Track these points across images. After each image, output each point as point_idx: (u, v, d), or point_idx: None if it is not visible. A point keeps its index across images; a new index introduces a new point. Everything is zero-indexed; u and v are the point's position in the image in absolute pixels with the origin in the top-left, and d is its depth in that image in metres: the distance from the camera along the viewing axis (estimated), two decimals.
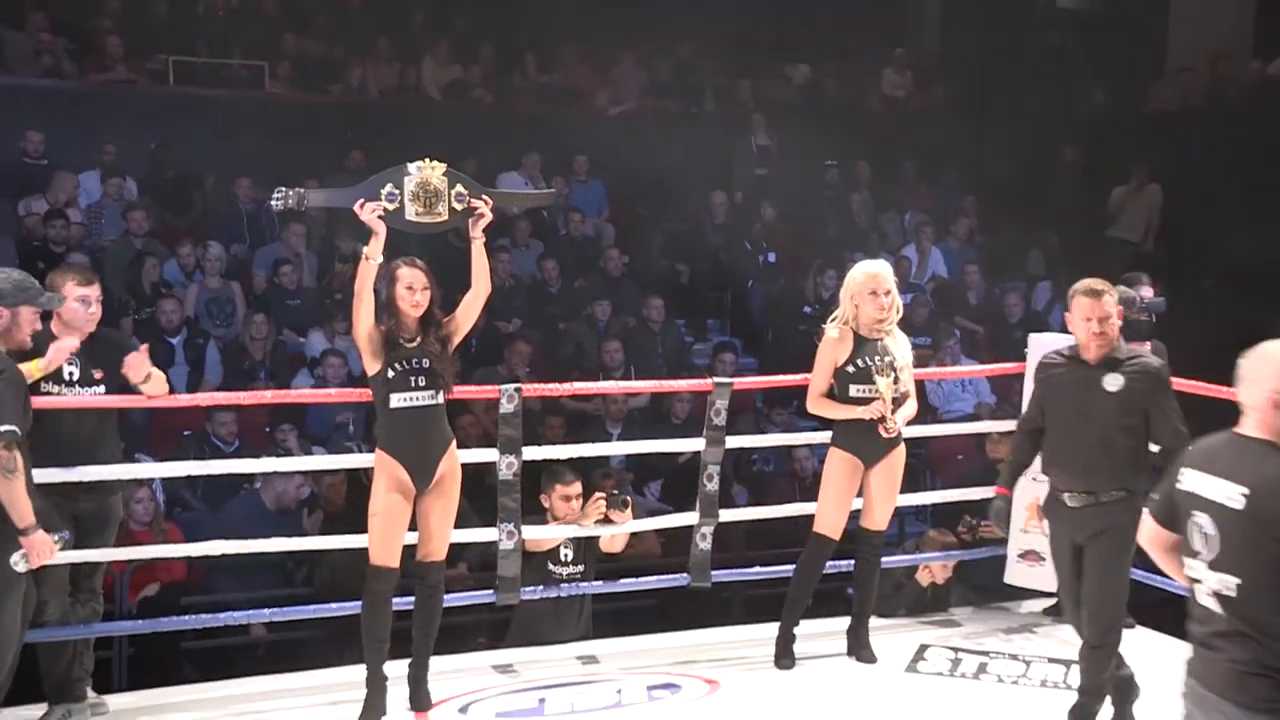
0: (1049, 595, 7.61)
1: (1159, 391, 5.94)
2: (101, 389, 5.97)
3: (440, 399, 6.09)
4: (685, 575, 7.21)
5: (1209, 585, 4.07)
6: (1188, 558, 4.15)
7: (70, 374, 5.67)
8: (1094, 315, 5.75)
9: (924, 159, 15.69)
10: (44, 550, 5.34)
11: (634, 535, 7.83)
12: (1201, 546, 4.09)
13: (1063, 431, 6.07)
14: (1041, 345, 7.58)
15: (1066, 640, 6.77)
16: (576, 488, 7.22)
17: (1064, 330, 7.92)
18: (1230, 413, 4.21)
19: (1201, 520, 4.08)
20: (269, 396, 8.90)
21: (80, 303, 5.93)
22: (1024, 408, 7.43)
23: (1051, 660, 6.97)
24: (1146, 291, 7.73)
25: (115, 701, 6.45)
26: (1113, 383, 5.88)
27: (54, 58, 13.96)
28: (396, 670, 6.24)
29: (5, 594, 5.37)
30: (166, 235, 12.74)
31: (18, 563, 5.33)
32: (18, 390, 5.35)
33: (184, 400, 7.41)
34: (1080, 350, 5.90)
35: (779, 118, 16.09)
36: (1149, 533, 4.43)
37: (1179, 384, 6.33)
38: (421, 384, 5.99)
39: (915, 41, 18.41)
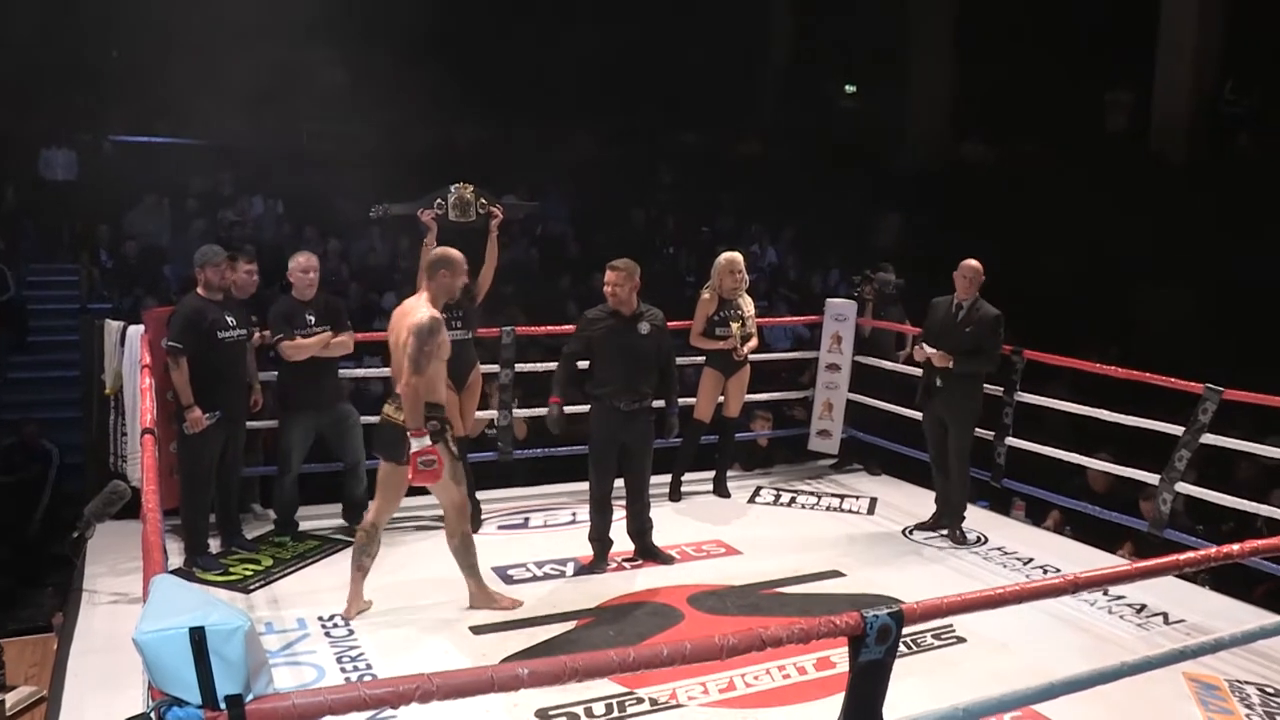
0: (833, 457, 7.67)
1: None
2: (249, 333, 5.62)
3: (470, 335, 6.05)
4: None
5: None
6: None
7: (229, 321, 5.40)
8: None
9: (766, 192, 15.57)
10: (198, 423, 5.20)
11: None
12: None
13: None
14: (833, 307, 7.63)
15: (836, 481, 6.97)
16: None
17: (849, 297, 7.86)
18: None
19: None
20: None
21: (247, 274, 5.93)
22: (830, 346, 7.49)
23: (833, 495, 7.03)
24: (891, 275, 7.71)
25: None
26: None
27: (234, 130, 14.05)
28: None
29: (199, 447, 5.30)
30: (299, 233, 12.71)
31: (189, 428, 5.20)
32: (191, 321, 5.23)
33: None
34: None
35: (678, 165, 15.99)
36: None
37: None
38: (459, 325, 5.93)
39: (761, 121, 18.17)
